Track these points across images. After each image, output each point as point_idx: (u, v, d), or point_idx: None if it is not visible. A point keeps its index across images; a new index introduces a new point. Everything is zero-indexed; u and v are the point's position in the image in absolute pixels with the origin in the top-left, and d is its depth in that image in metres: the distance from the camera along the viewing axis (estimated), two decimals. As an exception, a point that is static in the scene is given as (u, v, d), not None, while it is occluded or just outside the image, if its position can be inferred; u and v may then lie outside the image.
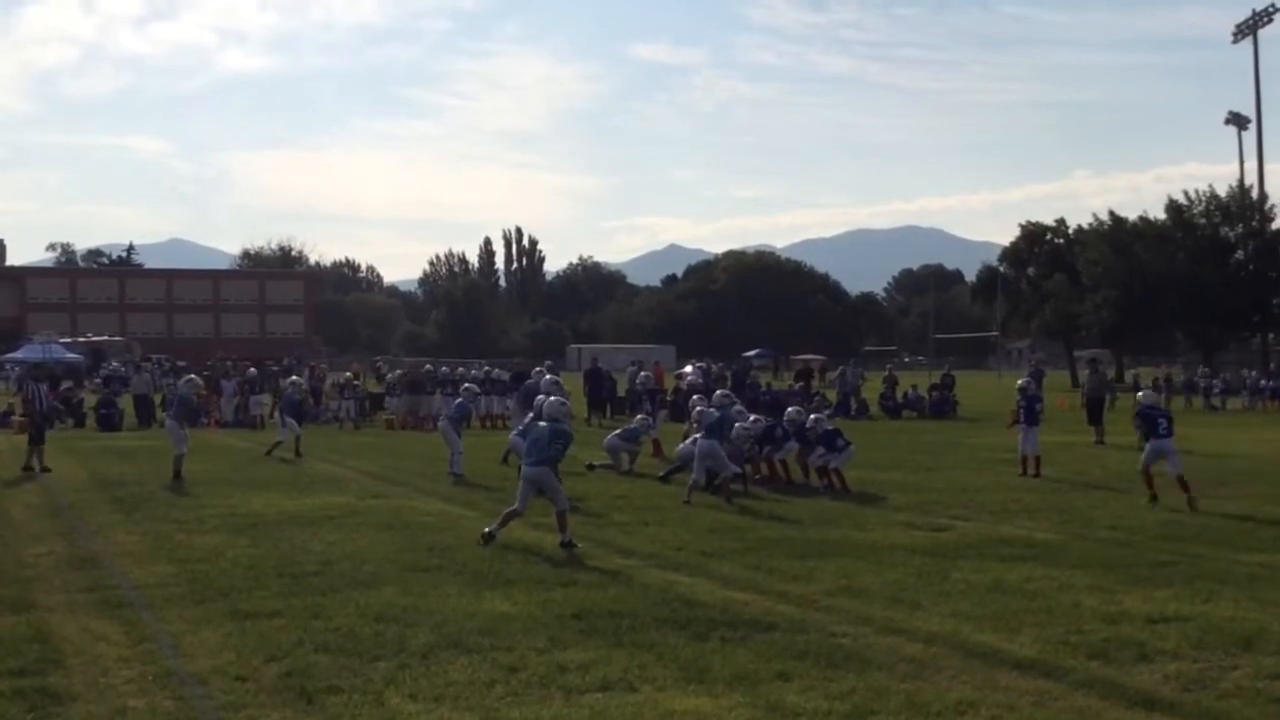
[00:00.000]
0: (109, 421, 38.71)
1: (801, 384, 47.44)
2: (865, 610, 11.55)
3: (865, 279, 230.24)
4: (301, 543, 15.43)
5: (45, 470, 24.53)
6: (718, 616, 11.14)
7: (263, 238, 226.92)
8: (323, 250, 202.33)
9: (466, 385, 30.18)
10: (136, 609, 11.55)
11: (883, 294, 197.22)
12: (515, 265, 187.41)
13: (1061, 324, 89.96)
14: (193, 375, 31.86)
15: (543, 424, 16.37)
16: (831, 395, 45.90)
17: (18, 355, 70.13)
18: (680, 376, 49.03)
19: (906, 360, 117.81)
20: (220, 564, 13.91)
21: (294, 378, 35.36)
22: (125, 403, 42.30)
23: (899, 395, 47.50)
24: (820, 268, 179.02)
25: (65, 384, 47.70)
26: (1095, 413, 34.08)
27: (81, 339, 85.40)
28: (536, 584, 12.64)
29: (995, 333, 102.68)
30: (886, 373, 50.61)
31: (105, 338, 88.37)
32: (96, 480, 23.12)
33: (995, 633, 10.65)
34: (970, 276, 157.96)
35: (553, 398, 17.26)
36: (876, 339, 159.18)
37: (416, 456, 27.83)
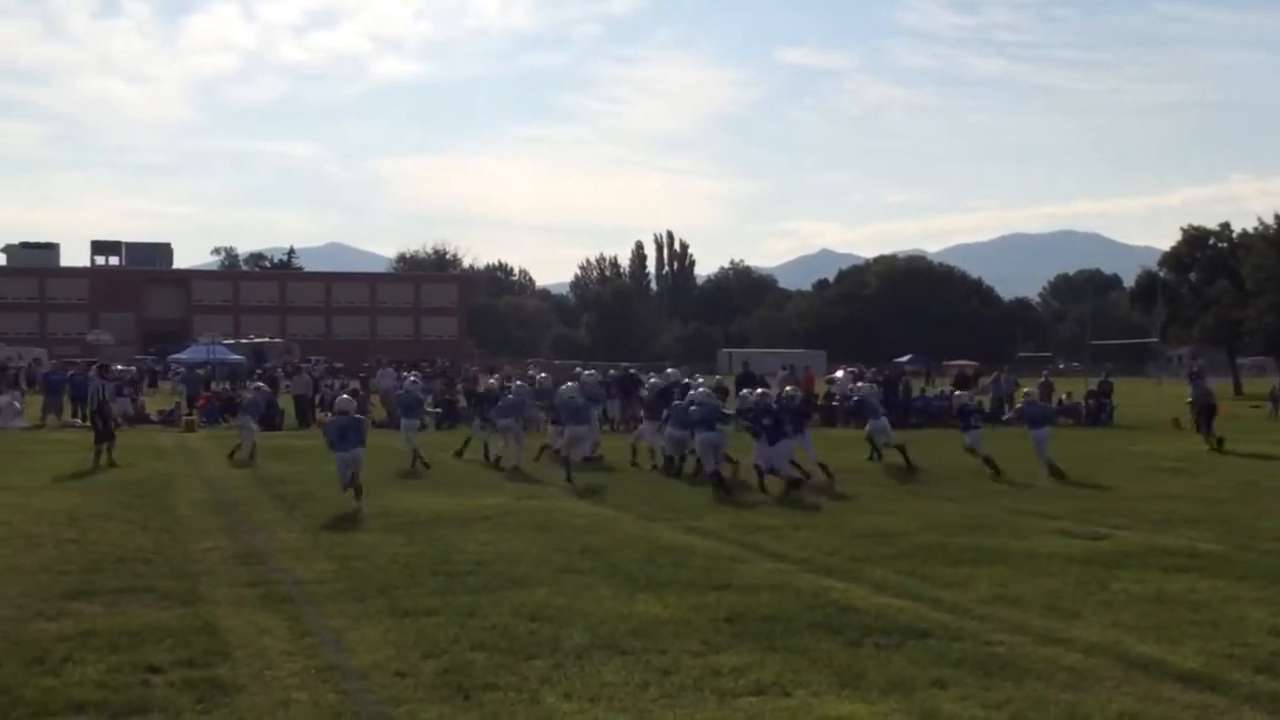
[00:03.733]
0: (269, 422, 39.57)
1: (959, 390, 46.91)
2: (1022, 619, 11.39)
3: (1020, 284, 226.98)
4: (456, 542, 15.64)
5: (113, 465, 25.62)
6: (871, 622, 11.07)
7: (418, 241, 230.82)
8: (476, 254, 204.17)
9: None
10: (299, 604, 11.82)
11: (1038, 299, 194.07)
12: (666, 269, 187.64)
13: (1224, 330, 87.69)
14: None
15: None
16: (985, 402, 45.32)
17: (184, 356, 71.97)
18: (831, 382, 48.82)
19: (1062, 367, 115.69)
20: (378, 561, 14.16)
21: (411, 377, 36.06)
22: (285, 403, 43.27)
23: (1055, 402, 46.71)
24: (973, 272, 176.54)
25: (222, 384, 48.81)
26: (1206, 421, 33.86)
27: (244, 340, 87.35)
28: (688, 587, 12.67)
29: (1154, 339, 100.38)
30: (1042, 379, 49.73)
31: (266, 339, 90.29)
32: (258, 479, 23.67)
33: (1157, 644, 10.42)
34: (1128, 281, 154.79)
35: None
36: (1031, 345, 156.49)
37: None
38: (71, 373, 45.20)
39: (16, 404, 41.56)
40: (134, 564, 13.95)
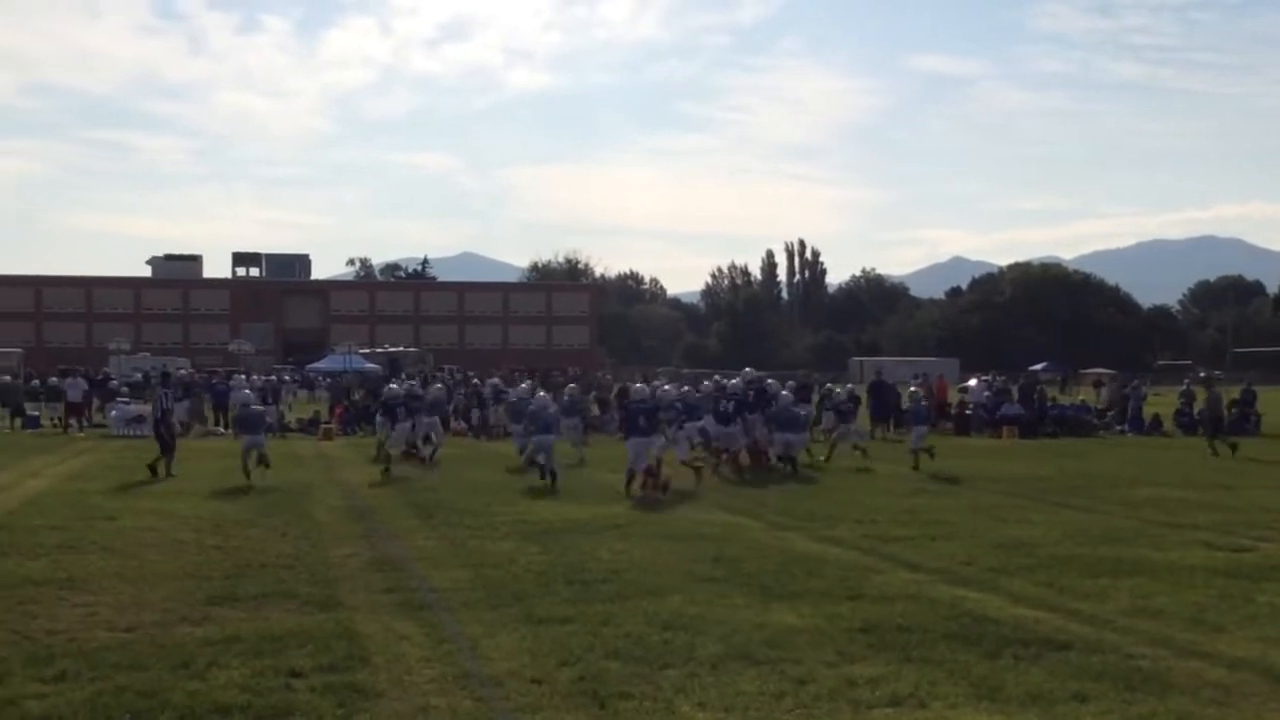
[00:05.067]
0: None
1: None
2: (1164, 632, 11.17)
3: (1159, 291, 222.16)
4: (589, 550, 15.72)
5: (170, 476, 25.24)
6: (1009, 634, 10.92)
7: (549, 251, 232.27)
8: (607, 263, 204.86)
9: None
10: (435, 611, 11.95)
11: (1177, 306, 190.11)
12: (797, 278, 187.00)
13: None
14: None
15: None
16: (1090, 399, 44.75)
17: (321, 365, 73.27)
18: (965, 390, 48.29)
19: (1202, 375, 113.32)
20: (512, 570, 14.28)
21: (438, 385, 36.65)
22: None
23: (1195, 411, 45.70)
24: (1110, 279, 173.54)
25: (358, 393, 49.51)
26: (1215, 428, 34.22)
27: (379, 350, 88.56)
28: (822, 597, 12.61)
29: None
30: (1184, 387, 48.63)
31: (401, 348, 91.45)
32: (394, 486, 23.98)
33: (1306, 660, 10.17)
34: (1271, 288, 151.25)
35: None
36: (1170, 353, 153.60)
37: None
38: (214, 381, 46.21)
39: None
40: (275, 570, 14.22)
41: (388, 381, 40.43)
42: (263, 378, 52.19)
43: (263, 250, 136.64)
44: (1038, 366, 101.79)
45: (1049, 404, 45.37)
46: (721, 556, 15.20)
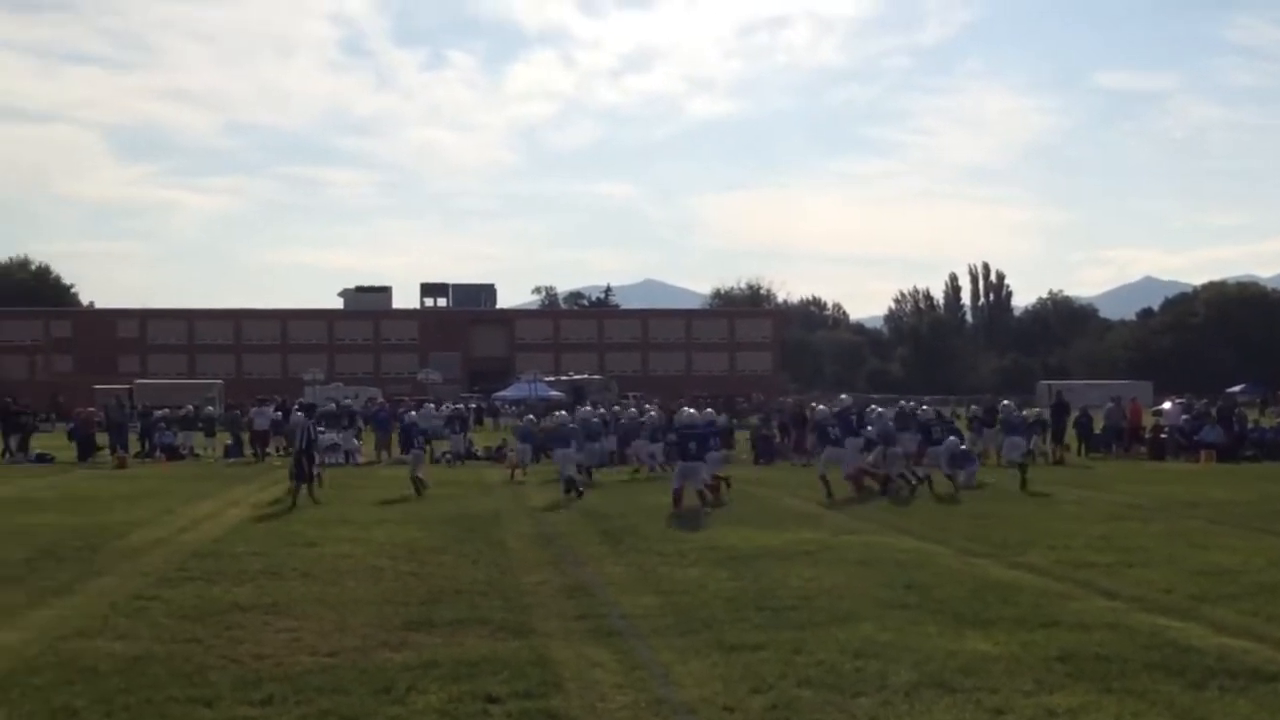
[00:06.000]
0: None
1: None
2: (1379, 664, 10.76)
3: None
4: (779, 577, 15.67)
5: (315, 502, 25.77)
6: (1214, 664, 10.62)
7: (731, 277, 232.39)
8: (790, 288, 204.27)
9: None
10: (627, 637, 12.03)
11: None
12: (982, 301, 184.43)
13: None
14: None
15: None
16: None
17: (507, 393, 74.34)
18: (1159, 414, 47.10)
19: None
20: (702, 596, 14.31)
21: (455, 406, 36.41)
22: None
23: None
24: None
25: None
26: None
27: (564, 377, 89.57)
28: (1017, 624, 12.40)
29: None
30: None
31: (585, 376, 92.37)
32: (582, 512, 24.19)
33: None
34: None
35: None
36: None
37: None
38: (402, 410, 47.11)
39: (355, 440, 43.53)
40: (469, 596, 14.44)
41: (565, 409, 40.97)
42: (450, 406, 53.03)
43: (450, 280, 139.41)
44: (1236, 388, 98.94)
45: (1249, 427, 44.03)
46: (913, 583, 15.04)
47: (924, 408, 34.57)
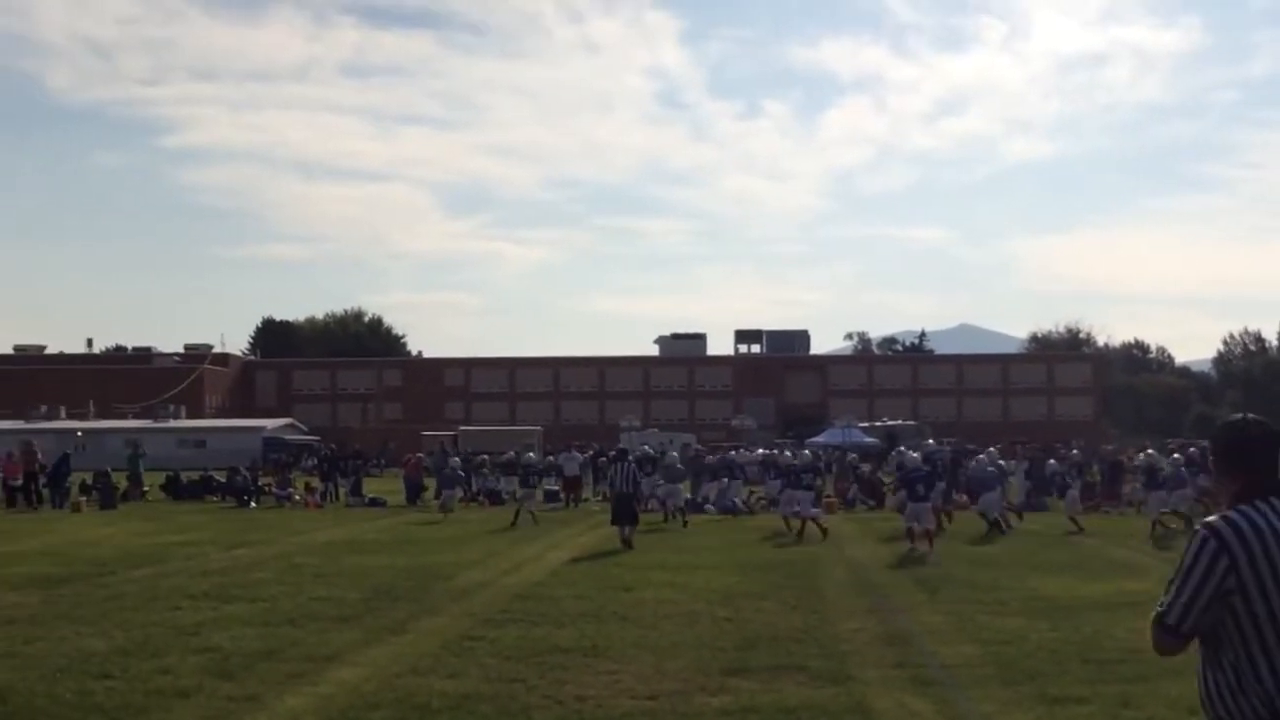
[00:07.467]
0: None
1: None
2: None
3: None
4: (1104, 628, 15.22)
5: (629, 546, 26.16)
6: None
7: (1049, 320, 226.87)
8: (1111, 331, 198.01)
9: None
10: (946, 687, 11.88)
11: None
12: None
13: None
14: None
15: None
16: None
17: (820, 440, 74.16)
18: None
19: None
20: (1025, 647, 14.02)
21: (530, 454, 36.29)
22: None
23: None
24: None
25: (864, 466, 49.81)
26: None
27: (878, 423, 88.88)
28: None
29: None
30: None
31: (899, 421, 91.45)
32: (895, 558, 23.98)
33: None
34: None
35: None
36: None
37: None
38: (720, 455, 47.48)
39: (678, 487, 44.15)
40: (786, 643, 14.47)
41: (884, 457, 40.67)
42: (763, 451, 53.20)
43: (763, 327, 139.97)
44: None
45: None
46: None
47: None
